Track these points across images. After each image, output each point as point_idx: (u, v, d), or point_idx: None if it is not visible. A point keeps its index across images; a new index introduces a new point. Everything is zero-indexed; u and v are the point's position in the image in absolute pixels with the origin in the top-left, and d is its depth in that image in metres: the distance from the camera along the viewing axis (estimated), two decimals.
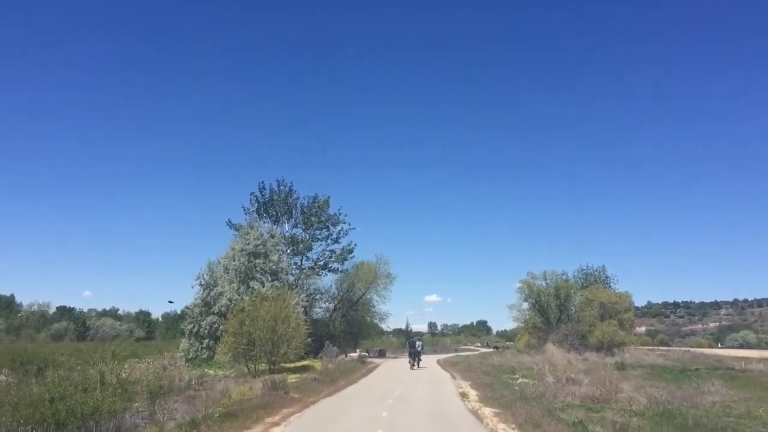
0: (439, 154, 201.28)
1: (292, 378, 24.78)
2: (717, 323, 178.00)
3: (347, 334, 46.82)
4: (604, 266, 57.43)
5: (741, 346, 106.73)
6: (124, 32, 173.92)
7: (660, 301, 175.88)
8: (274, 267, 33.53)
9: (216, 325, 31.52)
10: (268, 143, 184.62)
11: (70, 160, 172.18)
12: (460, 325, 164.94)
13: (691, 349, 79.65)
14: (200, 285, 33.17)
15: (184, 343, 33.23)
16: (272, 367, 28.38)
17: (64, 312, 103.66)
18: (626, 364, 34.01)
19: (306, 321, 33.20)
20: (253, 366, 28.42)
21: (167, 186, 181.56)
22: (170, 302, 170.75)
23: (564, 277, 55.98)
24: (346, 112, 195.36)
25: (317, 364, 31.09)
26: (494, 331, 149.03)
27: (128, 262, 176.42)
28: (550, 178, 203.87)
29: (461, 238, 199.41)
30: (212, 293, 32.62)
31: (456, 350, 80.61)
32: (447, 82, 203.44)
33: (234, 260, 33.00)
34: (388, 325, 68.01)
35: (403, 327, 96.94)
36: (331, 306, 45.16)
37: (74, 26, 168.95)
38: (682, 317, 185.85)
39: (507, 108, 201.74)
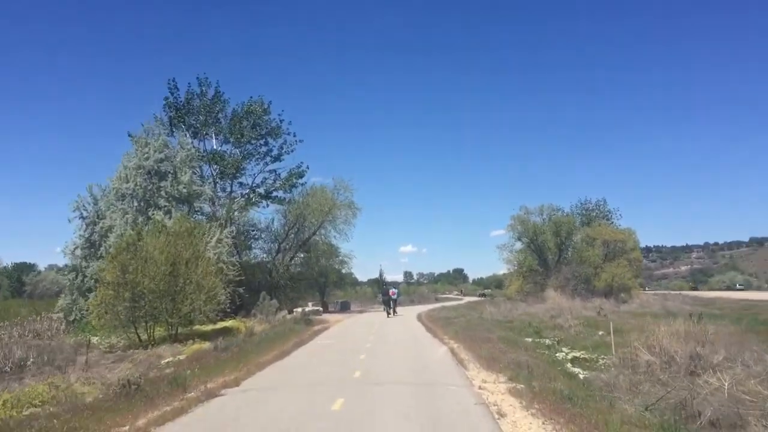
0: (413, 88, 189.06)
1: (186, 352, 15.58)
2: (688, 267, 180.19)
3: (301, 283, 37.30)
4: (605, 199, 50.56)
5: (728, 288, 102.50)
6: None
7: None
8: (186, 191, 23.62)
9: None
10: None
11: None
12: (436, 273, 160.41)
13: (684, 293, 75.30)
14: (81, 218, 23.33)
15: (62, 300, 23.59)
16: (173, 332, 19.19)
17: (24, 269, 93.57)
18: (664, 312, 26.26)
19: (236, 266, 23.99)
20: (146, 331, 19.15)
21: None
22: None
23: (562, 212, 48.62)
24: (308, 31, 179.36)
25: (244, 325, 21.95)
26: (470, 279, 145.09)
27: None
28: (526, 119, 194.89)
29: (434, 187, 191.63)
30: (98, 229, 22.88)
31: (437, 299, 72.77)
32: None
33: (128, 182, 23.02)
34: (351, 271, 58.97)
35: (378, 277, 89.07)
36: (275, 247, 35.50)
37: None
38: (654, 261, 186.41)
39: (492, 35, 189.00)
